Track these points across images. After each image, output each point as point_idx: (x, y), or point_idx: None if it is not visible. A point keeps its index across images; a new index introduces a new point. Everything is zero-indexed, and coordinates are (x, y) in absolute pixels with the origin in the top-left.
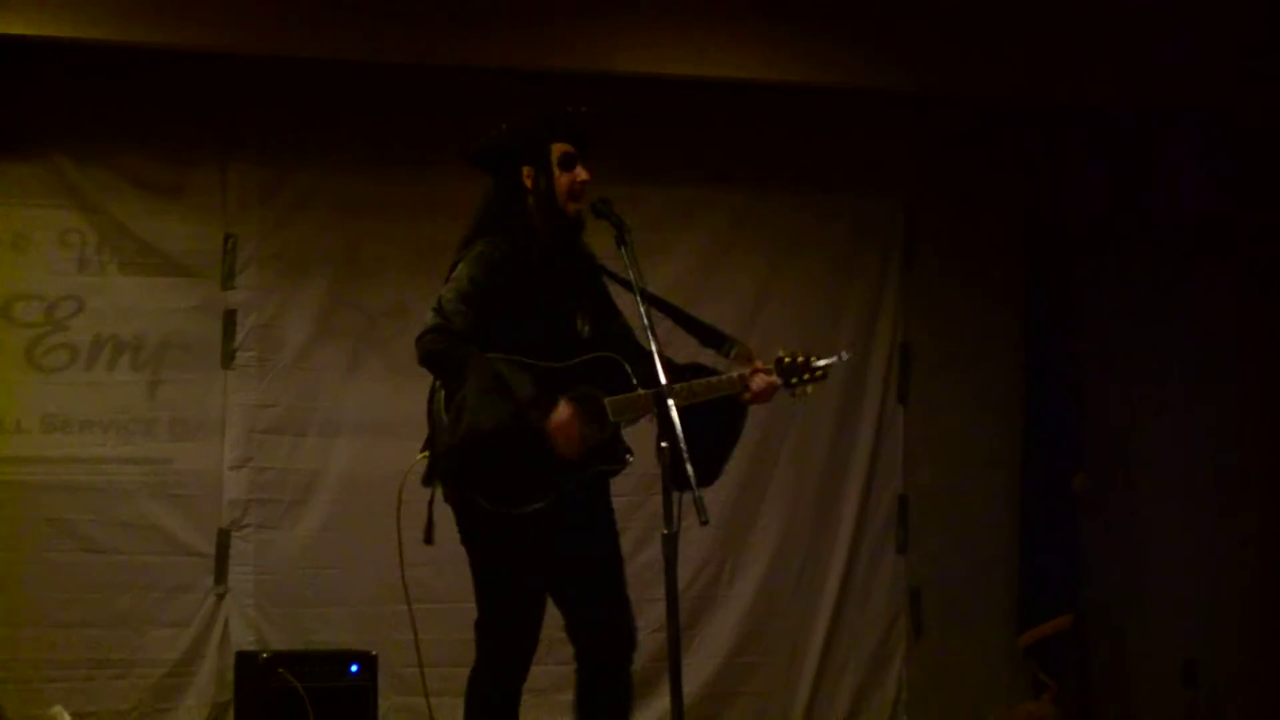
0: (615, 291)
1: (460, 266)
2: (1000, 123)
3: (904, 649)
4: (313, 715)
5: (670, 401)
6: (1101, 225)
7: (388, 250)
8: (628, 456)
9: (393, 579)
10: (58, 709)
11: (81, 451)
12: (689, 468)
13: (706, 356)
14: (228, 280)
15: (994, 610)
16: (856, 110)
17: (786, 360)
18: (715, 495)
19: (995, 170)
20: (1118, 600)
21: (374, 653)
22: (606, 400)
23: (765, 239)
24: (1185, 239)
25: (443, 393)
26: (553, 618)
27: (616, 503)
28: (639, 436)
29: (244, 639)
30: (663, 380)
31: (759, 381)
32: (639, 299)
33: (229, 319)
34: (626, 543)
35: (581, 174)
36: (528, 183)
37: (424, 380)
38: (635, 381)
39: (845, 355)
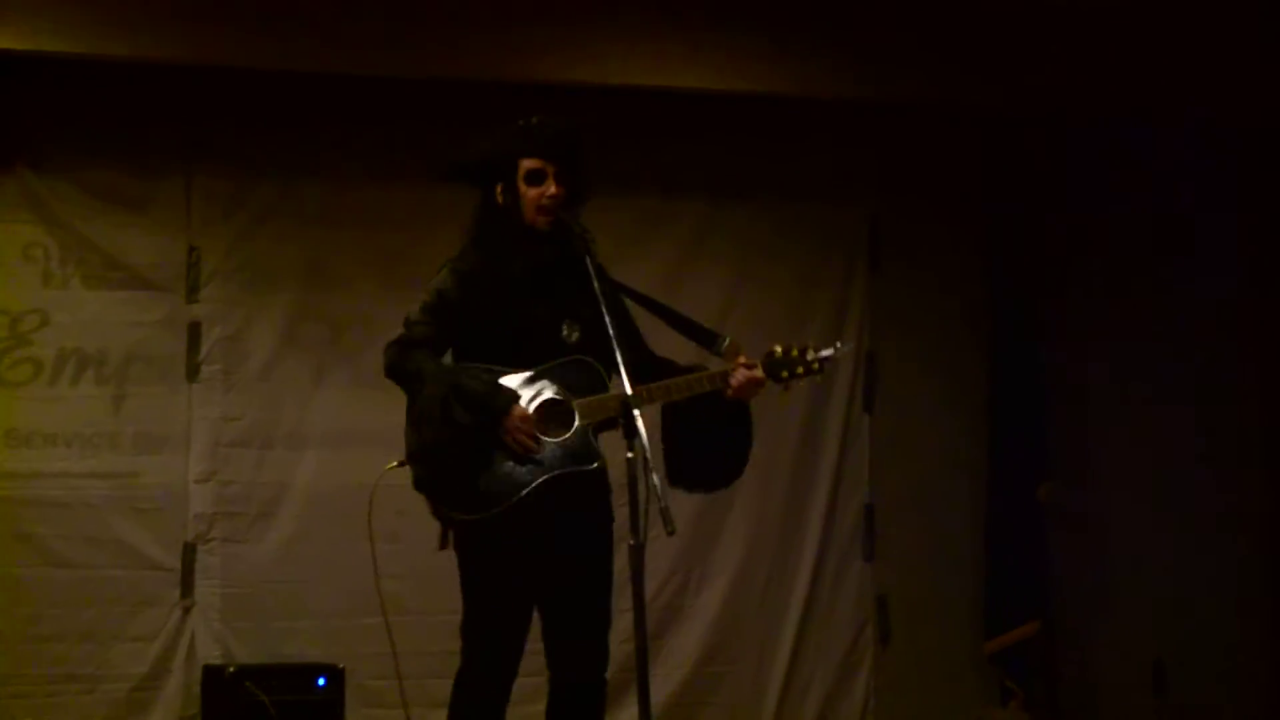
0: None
1: (432, 280)
2: (965, 131)
3: (871, 657)
4: None
5: (635, 410)
6: (1068, 232)
7: (352, 262)
8: (596, 460)
9: (360, 591)
10: None
11: (46, 466)
12: (654, 477)
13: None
14: (192, 293)
15: (961, 618)
16: (821, 120)
17: (778, 354)
18: (681, 505)
19: (960, 179)
20: (1084, 607)
21: (341, 665)
22: (575, 402)
23: (731, 248)
24: (1150, 246)
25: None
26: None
27: None
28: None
29: (210, 653)
30: (628, 388)
31: (739, 377)
32: (603, 307)
33: (194, 332)
34: None
35: (550, 188)
36: (500, 198)
37: (389, 392)
38: (608, 384)
39: (841, 346)
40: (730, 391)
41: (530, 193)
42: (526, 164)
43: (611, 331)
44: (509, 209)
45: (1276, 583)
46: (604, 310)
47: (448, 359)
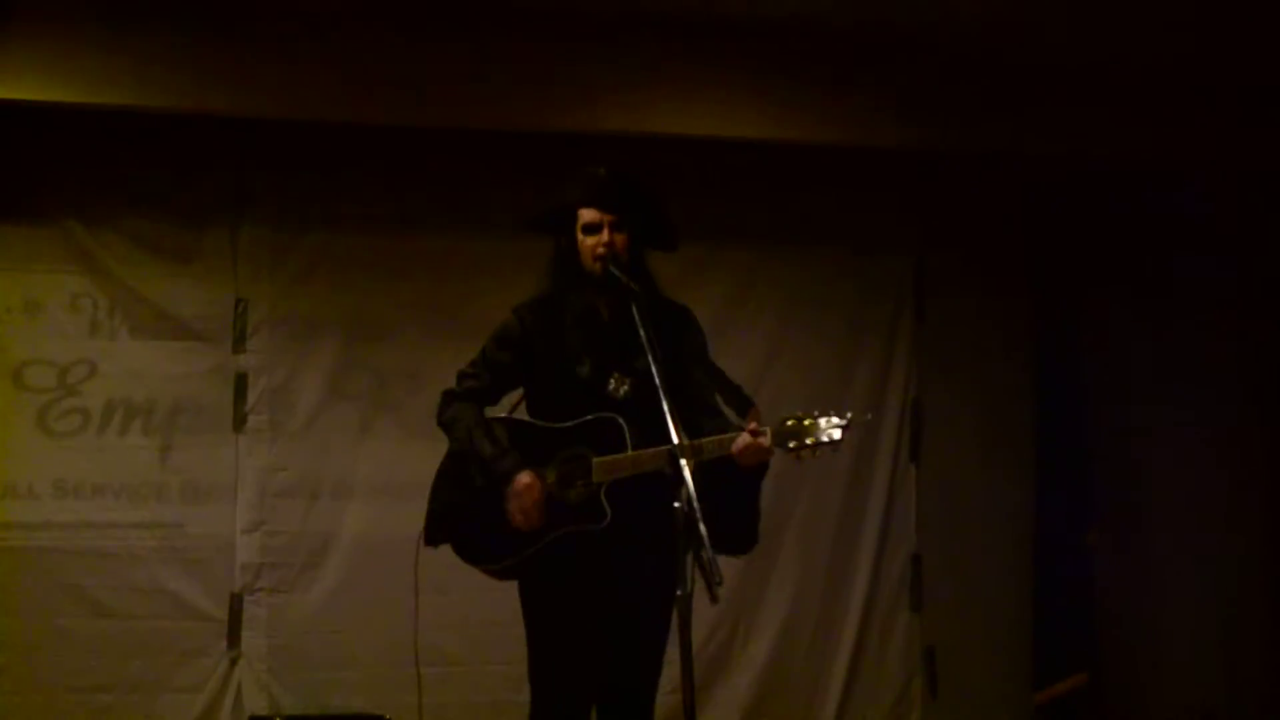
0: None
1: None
2: (1010, 178)
3: (920, 709)
4: None
5: (683, 460)
6: (1112, 280)
7: (398, 312)
8: (605, 518)
9: (406, 642)
10: None
11: (93, 516)
12: (702, 527)
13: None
14: (239, 344)
15: (1009, 669)
16: (866, 167)
17: (790, 423)
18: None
19: (1005, 225)
20: (1134, 657)
21: (387, 716)
22: (595, 460)
23: (776, 296)
24: (1196, 292)
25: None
26: None
27: None
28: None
29: (257, 703)
30: (675, 438)
31: (740, 442)
32: (651, 359)
33: (240, 382)
34: None
35: (604, 237)
36: (564, 247)
37: (435, 442)
38: (629, 443)
39: (850, 416)
40: (735, 456)
41: (587, 242)
42: (585, 214)
43: (659, 382)
44: (568, 258)
45: None
46: (651, 361)
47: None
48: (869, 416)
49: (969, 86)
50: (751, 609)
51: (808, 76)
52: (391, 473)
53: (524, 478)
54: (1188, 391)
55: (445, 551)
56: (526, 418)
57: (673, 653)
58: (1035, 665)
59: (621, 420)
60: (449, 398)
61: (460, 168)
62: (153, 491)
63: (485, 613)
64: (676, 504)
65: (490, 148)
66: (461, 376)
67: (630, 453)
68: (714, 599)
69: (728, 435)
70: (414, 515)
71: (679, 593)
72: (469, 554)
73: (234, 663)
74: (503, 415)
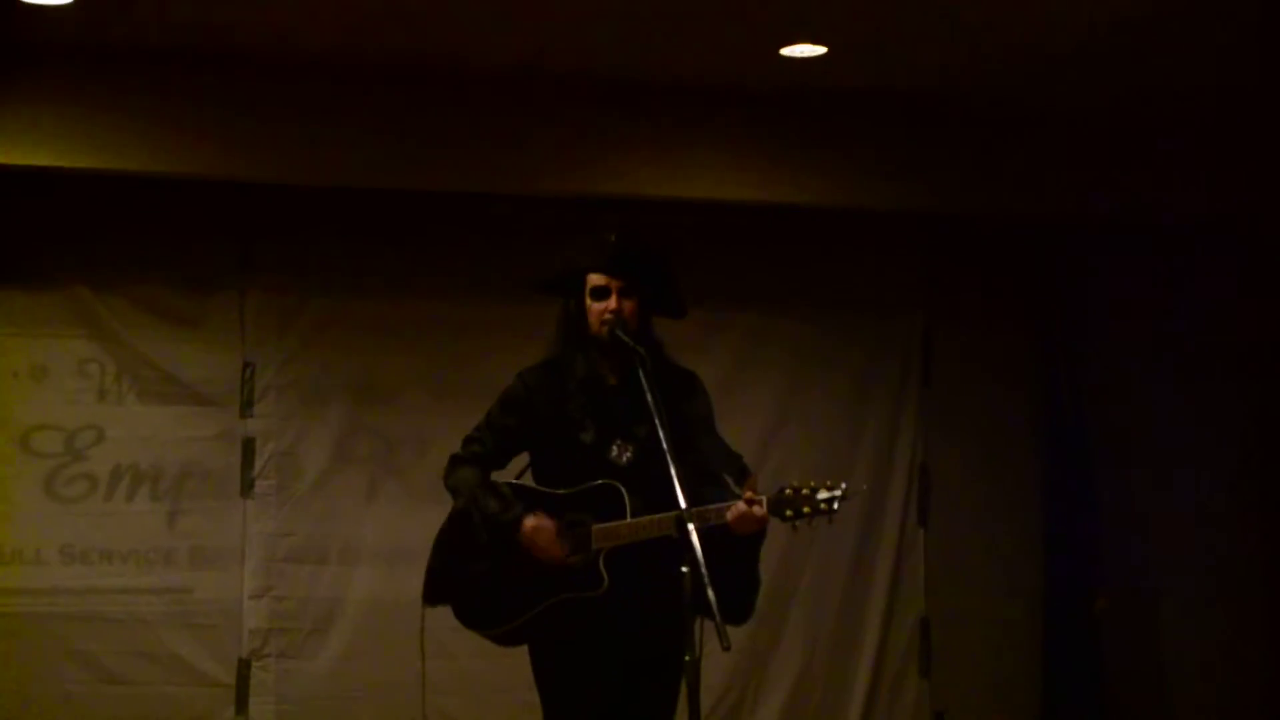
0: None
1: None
2: (1016, 240)
3: None
4: None
5: (690, 525)
6: (1121, 341)
7: (405, 376)
8: (603, 585)
9: (414, 706)
10: None
11: (101, 582)
12: (710, 592)
13: None
14: (246, 409)
15: None
16: (872, 230)
17: (787, 493)
18: None
19: (1012, 287)
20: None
21: None
22: (594, 527)
23: (783, 359)
24: (1207, 354)
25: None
26: None
27: None
28: None
29: None
30: (682, 503)
31: (735, 511)
32: (658, 423)
33: (248, 447)
34: None
35: (612, 304)
36: (572, 311)
37: (442, 507)
38: (629, 511)
39: (846, 486)
40: (730, 525)
41: (595, 307)
42: (592, 279)
43: (666, 447)
44: (576, 322)
45: None
46: (658, 425)
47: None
48: (865, 487)
49: (972, 149)
50: (760, 672)
51: (813, 140)
52: (399, 537)
53: (531, 519)
54: (1207, 457)
55: (451, 615)
56: (532, 484)
57: (682, 717)
58: None
59: (622, 488)
60: (455, 462)
61: (467, 232)
62: (160, 557)
63: (492, 677)
64: (684, 569)
65: (497, 212)
66: (467, 441)
67: (629, 520)
68: (726, 648)
69: (726, 504)
70: (421, 579)
71: (687, 658)
72: (469, 619)
73: None
74: (509, 481)
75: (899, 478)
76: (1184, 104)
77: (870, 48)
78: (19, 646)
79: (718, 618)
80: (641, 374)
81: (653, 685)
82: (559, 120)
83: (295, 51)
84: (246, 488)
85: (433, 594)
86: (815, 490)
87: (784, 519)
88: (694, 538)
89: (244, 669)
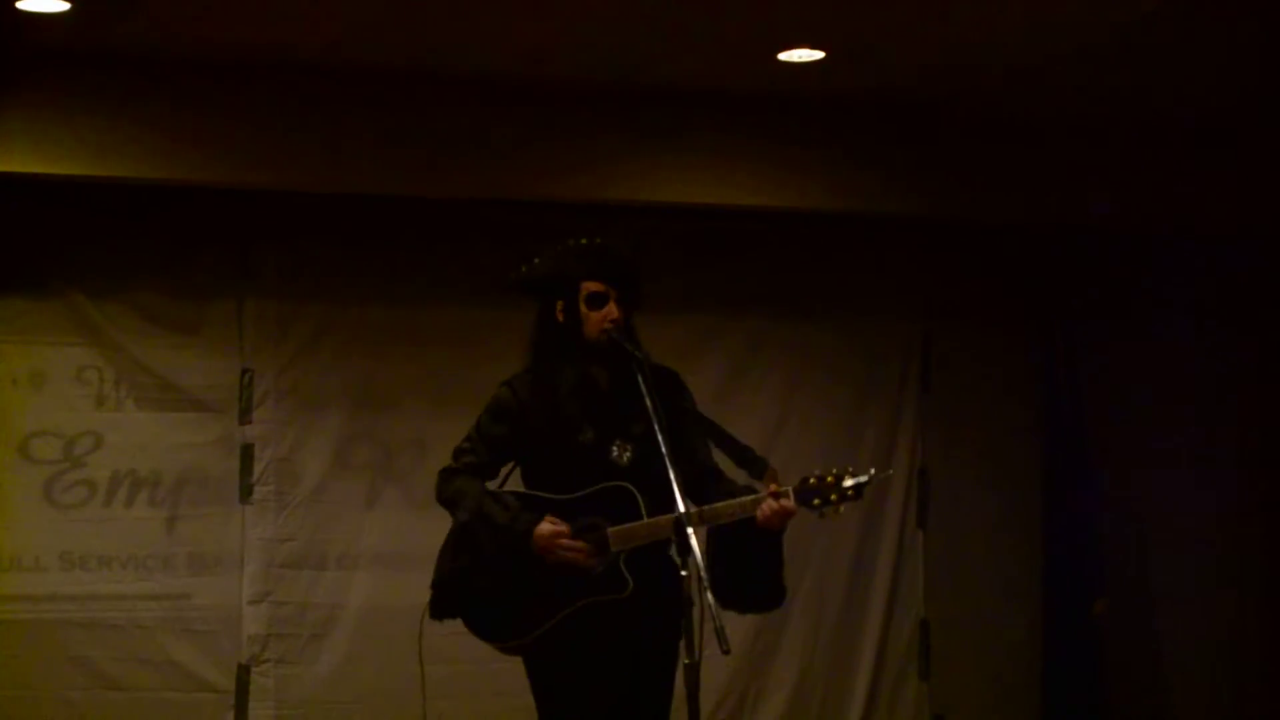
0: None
1: (487, 404)
2: (1015, 244)
3: None
4: None
5: (689, 529)
6: (1120, 344)
7: (404, 382)
8: (628, 587)
9: (414, 712)
10: None
11: (100, 588)
12: (709, 596)
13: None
14: (245, 415)
15: None
16: (872, 235)
17: (812, 482)
18: (737, 623)
19: (1011, 292)
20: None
21: None
22: (610, 530)
23: (783, 364)
24: (1206, 357)
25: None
26: None
27: None
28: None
29: None
30: (680, 506)
31: (765, 509)
32: (656, 426)
33: (246, 453)
34: None
35: (612, 312)
36: (559, 316)
37: (441, 513)
38: (643, 511)
39: (875, 473)
40: (759, 521)
41: (592, 315)
42: (589, 286)
43: (664, 449)
44: (568, 328)
45: None
46: (656, 429)
47: (516, 481)
48: (890, 472)
49: (970, 154)
50: (760, 676)
51: (812, 145)
52: (398, 543)
53: (545, 525)
54: (1204, 464)
55: (451, 621)
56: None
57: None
58: None
59: (633, 488)
60: (449, 474)
61: (465, 237)
62: (159, 563)
63: (492, 681)
64: (684, 573)
65: (495, 217)
66: (459, 453)
67: (646, 520)
68: (726, 651)
69: (749, 498)
70: (421, 585)
71: (685, 662)
72: (483, 632)
73: None
74: (512, 490)
75: (898, 481)
76: (1182, 108)
77: (868, 52)
78: (18, 652)
79: (718, 620)
80: (640, 377)
81: (655, 684)
82: (558, 126)
83: (291, 58)
84: (245, 494)
85: (441, 609)
86: (840, 477)
87: (812, 508)
88: (694, 541)
89: (243, 674)
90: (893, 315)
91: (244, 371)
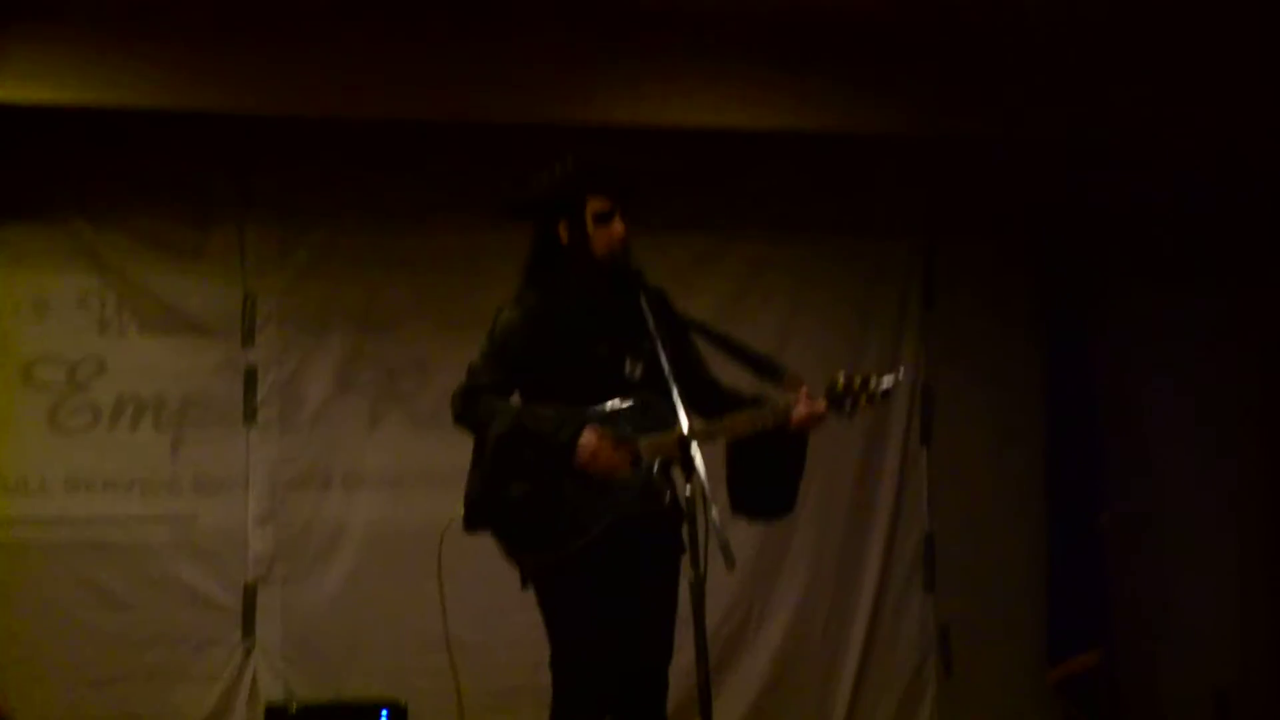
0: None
1: (493, 324)
2: (1017, 162)
3: (934, 688)
4: None
5: (694, 446)
6: (1122, 261)
7: (406, 305)
8: (666, 497)
9: (419, 629)
10: None
11: (106, 511)
12: (714, 512)
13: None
14: (248, 338)
15: (1023, 647)
16: (873, 154)
17: (839, 386)
18: (741, 539)
19: (1013, 209)
20: (1147, 634)
21: (404, 702)
22: (641, 442)
23: (785, 284)
24: (1208, 269)
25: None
26: None
27: None
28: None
29: (273, 692)
30: (684, 424)
31: (801, 412)
32: (658, 344)
33: (250, 376)
34: None
35: (618, 228)
36: (563, 236)
37: (444, 433)
38: (671, 420)
39: (903, 372)
40: (793, 427)
41: (599, 232)
42: (595, 204)
43: (667, 369)
44: (574, 246)
45: None
46: (659, 347)
47: (515, 401)
48: (916, 370)
49: (975, 71)
50: (765, 592)
51: (813, 65)
52: (401, 463)
53: (590, 435)
54: (1209, 370)
55: (457, 537)
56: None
57: (687, 637)
58: (1049, 643)
59: (659, 399)
60: (472, 394)
61: (465, 161)
62: (165, 485)
63: (497, 599)
64: (688, 489)
65: (495, 140)
66: (475, 374)
67: (676, 431)
68: (731, 567)
69: (765, 410)
70: (424, 504)
71: (691, 579)
72: (520, 544)
73: (249, 652)
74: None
75: (901, 398)
76: (1186, 22)
77: None
78: (26, 575)
79: (722, 536)
80: (644, 294)
81: (661, 602)
82: (559, 48)
83: None
84: (249, 416)
85: (474, 520)
86: (867, 380)
87: (841, 411)
88: (698, 459)
89: (250, 594)
90: (894, 234)
91: (246, 296)
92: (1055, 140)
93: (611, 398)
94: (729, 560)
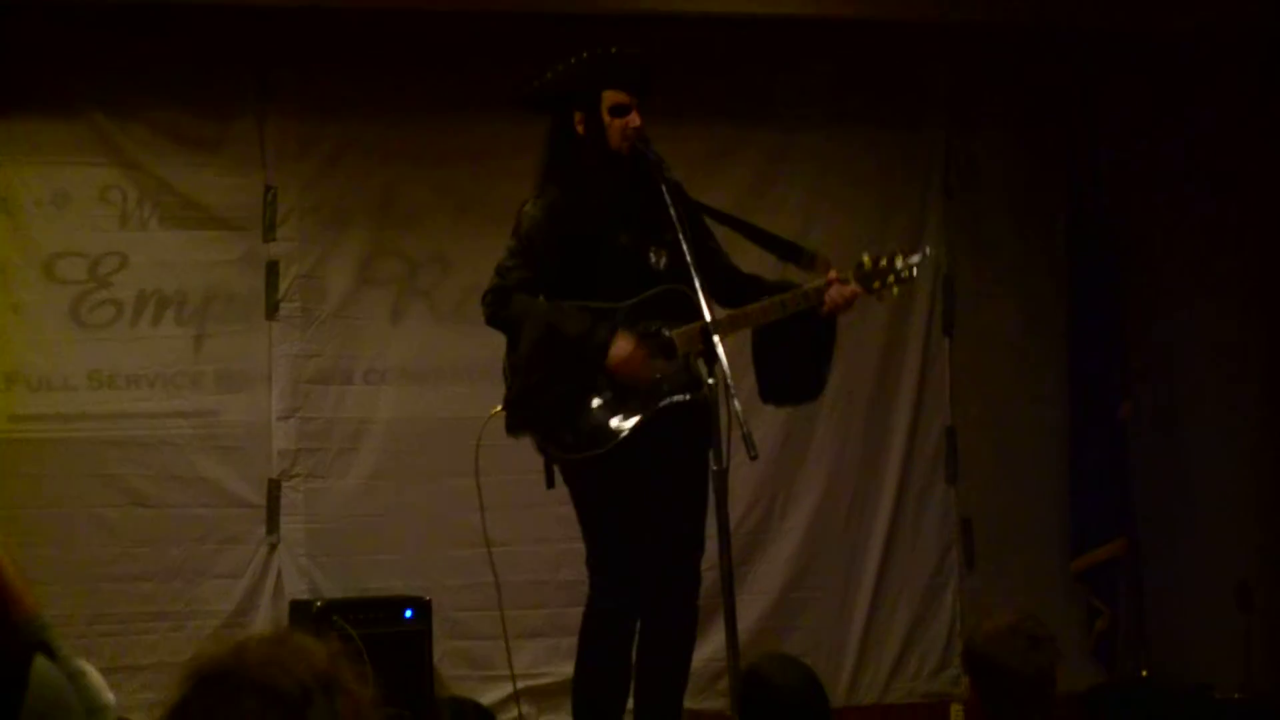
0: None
1: (517, 221)
2: (1040, 51)
3: (956, 580)
4: (369, 662)
5: (717, 336)
6: (1146, 151)
7: (427, 198)
8: (702, 388)
9: (443, 524)
10: (81, 662)
11: (129, 407)
12: (736, 403)
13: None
14: (269, 232)
15: (1046, 538)
16: (895, 42)
17: (868, 266)
18: (764, 432)
19: (1036, 99)
20: (1170, 525)
21: (428, 598)
22: (674, 332)
23: (805, 174)
24: (1230, 164)
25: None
26: None
27: None
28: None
29: (297, 588)
30: (706, 314)
31: (834, 294)
32: (680, 235)
33: (271, 271)
34: None
35: (635, 120)
36: (579, 128)
37: (466, 326)
38: (702, 310)
39: (928, 250)
40: (825, 308)
41: (615, 124)
42: (612, 96)
43: (689, 259)
44: (591, 139)
45: None
46: (681, 237)
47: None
48: (940, 250)
49: None
50: (788, 484)
51: None
52: (423, 357)
53: (621, 342)
54: (1228, 263)
55: (483, 433)
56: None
57: (710, 528)
58: (1072, 534)
59: (686, 289)
60: (504, 293)
61: (486, 53)
62: (187, 380)
63: (520, 493)
64: (710, 380)
65: (515, 33)
66: (506, 271)
67: (710, 319)
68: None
69: (794, 292)
70: (447, 399)
71: (714, 469)
72: (562, 444)
73: (273, 548)
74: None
75: (923, 289)
76: None
77: None
78: (50, 471)
79: (745, 427)
80: (665, 185)
81: (699, 491)
82: None
83: None
84: (271, 311)
85: (514, 423)
86: (894, 258)
87: (871, 290)
88: (720, 350)
89: (273, 489)
90: (916, 123)
91: (267, 189)
92: (1078, 26)
93: (638, 290)
94: (752, 451)
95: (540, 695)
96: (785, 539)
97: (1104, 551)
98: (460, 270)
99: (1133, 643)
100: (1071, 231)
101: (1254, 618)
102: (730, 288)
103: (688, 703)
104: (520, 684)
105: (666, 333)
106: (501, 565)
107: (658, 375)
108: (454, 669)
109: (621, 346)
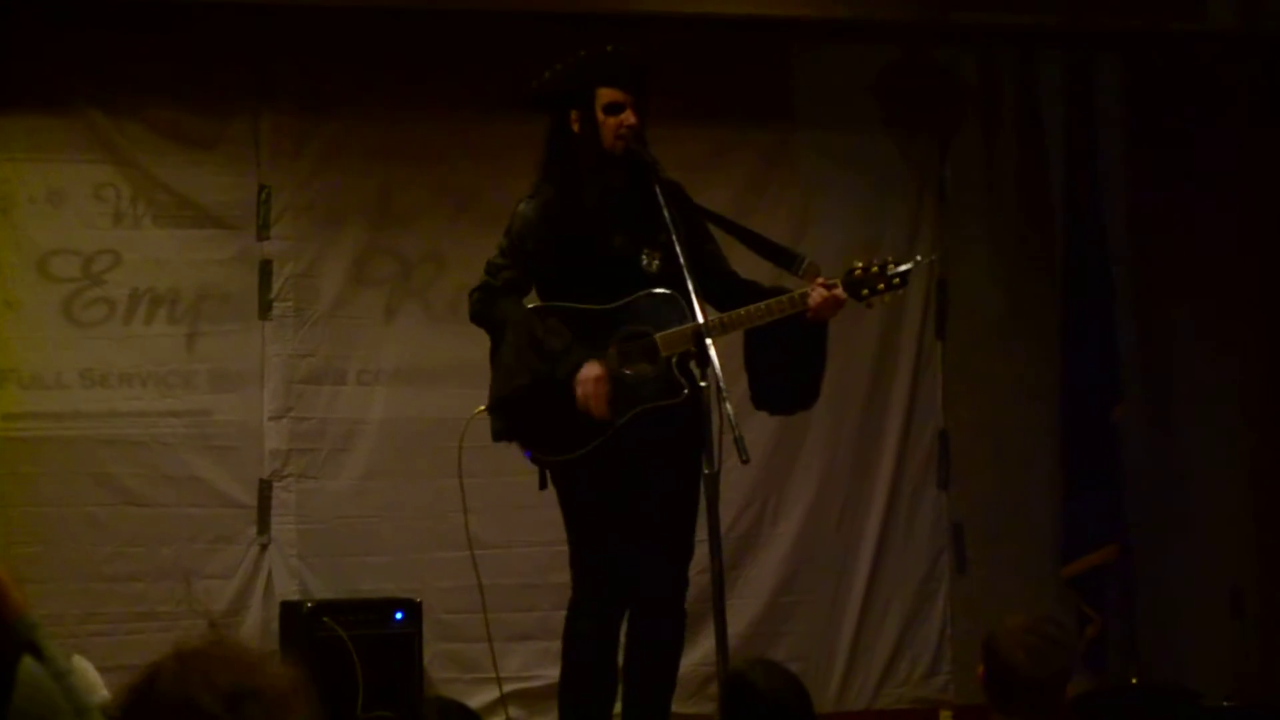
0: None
1: (510, 220)
2: (1039, 51)
3: (947, 584)
4: (359, 663)
5: (709, 339)
6: (1145, 151)
7: (421, 197)
8: (684, 390)
9: (434, 526)
10: (77, 658)
11: (121, 405)
12: (728, 406)
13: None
14: (263, 231)
15: (1038, 543)
16: (891, 46)
17: (857, 272)
18: (756, 435)
19: (1029, 101)
20: (1163, 530)
21: (418, 599)
22: (657, 336)
23: (799, 177)
24: (1230, 164)
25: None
26: None
27: None
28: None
29: (288, 588)
30: (699, 317)
31: (817, 297)
32: (674, 237)
33: (265, 269)
34: None
35: (629, 119)
36: (575, 126)
37: (460, 327)
38: (689, 314)
39: (920, 258)
40: (810, 314)
41: (609, 122)
42: (606, 94)
43: (683, 260)
44: (585, 137)
45: None
46: (675, 239)
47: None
48: (934, 257)
49: None
50: (779, 488)
51: None
52: (417, 357)
53: (590, 369)
54: (1222, 262)
55: (473, 434)
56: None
57: (702, 532)
58: (1063, 539)
59: (675, 293)
60: (490, 294)
61: (483, 51)
62: (180, 380)
63: (512, 496)
64: (703, 383)
65: (513, 31)
66: (495, 269)
67: (691, 324)
68: (745, 461)
69: (781, 297)
70: (440, 400)
71: (705, 472)
72: (544, 447)
73: (264, 549)
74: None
75: (916, 292)
76: None
77: None
78: (41, 470)
79: (737, 430)
80: (658, 186)
81: (679, 496)
82: None
83: None
84: (264, 310)
85: (501, 432)
86: (885, 265)
87: (860, 298)
88: (712, 352)
89: (265, 489)
90: (910, 126)
91: (261, 187)
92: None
93: (629, 292)
94: (743, 455)
95: (530, 699)
96: (776, 543)
97: (1096, 557)
98: (455, 270)
99: (1124, 649)
100: (1066, 233)
101: (1246, 624)
102: (725, 292)
103: (677, 707)
104: (510, 687)
105: (650, 336)
106: (493, 568)
107: (637, 375)
108: (444, 671)
109: (589, 373)
